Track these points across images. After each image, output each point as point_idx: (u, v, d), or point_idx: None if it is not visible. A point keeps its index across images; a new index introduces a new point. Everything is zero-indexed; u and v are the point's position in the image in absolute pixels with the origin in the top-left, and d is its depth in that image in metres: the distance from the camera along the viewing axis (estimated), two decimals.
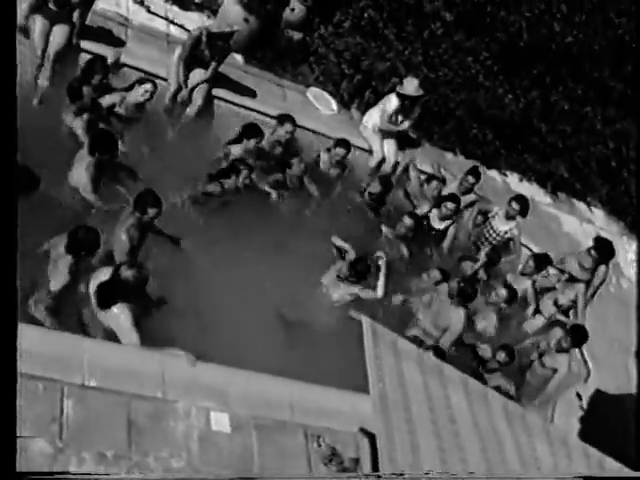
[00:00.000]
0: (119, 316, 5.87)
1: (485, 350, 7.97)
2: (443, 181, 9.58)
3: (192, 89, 8.58)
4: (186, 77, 8.55)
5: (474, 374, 7.41)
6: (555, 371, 8.18)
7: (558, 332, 8.37)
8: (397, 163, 9.76)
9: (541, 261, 9.06)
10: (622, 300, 10.15)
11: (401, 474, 3.94)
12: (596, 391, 8.65)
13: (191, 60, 8.54)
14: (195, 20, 9.63)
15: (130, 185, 7.30)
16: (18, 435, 3.64)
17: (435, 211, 9.03)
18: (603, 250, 9.23)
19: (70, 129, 7.39)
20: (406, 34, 10.40)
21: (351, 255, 7.77)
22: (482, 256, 8.86)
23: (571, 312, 9.00)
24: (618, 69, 11.15)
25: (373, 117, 9.77)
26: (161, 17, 9.51)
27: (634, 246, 11.32)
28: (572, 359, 8.48)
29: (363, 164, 9.54)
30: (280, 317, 7.23)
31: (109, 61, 8.14)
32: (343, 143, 8.86)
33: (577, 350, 8.87)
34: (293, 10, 9.94)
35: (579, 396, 8.54)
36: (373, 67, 10.16)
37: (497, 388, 7.04)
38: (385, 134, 9.69)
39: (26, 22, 7.77)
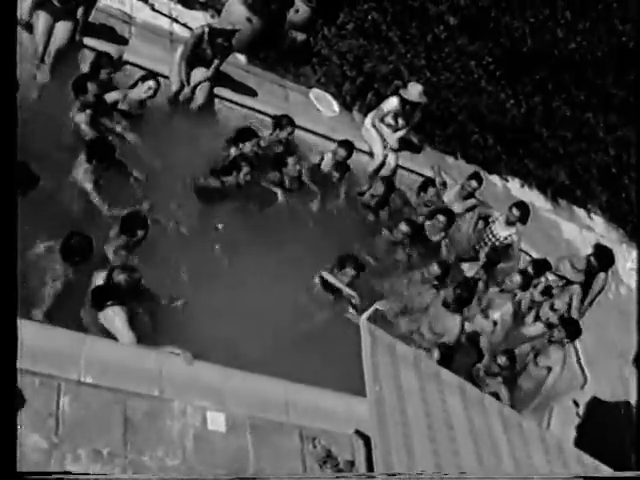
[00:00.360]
0: (113, 318, 5.93)
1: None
2: (444, 184, 9.59)
3: (194, 87, 8.59)
4: (188, 75, 8.56)
5: (473, 378, 7.44)
6: (550, 370, 8.18)
7: (557, 349, 8.37)
8: (397, 167, 9.76)
9: (540, 267, 9.05)
10: (620, 308, 10.14)
11: (393, 474, 3.94)
12: (593, 398, 8.64)
13: (193, 58, 8.55)
14: (199, 19, 9.63)
15: (136, 178, 7.36)
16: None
17: (428, 222, 8.98)
18: (603, 258, 9.22)
19: (74, 124, 7.39)
20: (409, 37, 10.40)
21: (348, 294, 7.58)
22: (482, 256, 8.85)
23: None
24: (620, 76, 11.15)
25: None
26: (165, 15, 9.51)
27: (634, 254, 11.32)
28: (567, 356, 8.45)
29: (363, 167, 9.54)
30: (279, 318, 7.22)
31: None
32: (346, 145, 8.86)
33: (574, 357, 8.87)
34: (297, 11, 9.94)
35: (576, 403, 8.52)
36: (376, 69, 10.16)
37: (495, 395, 7.03)
38: (386, 137, 9.70)
39: (30, 18, 7.77)
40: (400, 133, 9.78)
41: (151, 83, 7.80)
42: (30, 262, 5.98)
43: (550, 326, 8.59)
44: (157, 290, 6.50)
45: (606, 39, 10.82)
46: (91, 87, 7.41)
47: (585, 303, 9.24)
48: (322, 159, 8.87)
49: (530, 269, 9.00)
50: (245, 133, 8.18)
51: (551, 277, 8.98)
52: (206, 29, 8.48)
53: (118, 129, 7.69)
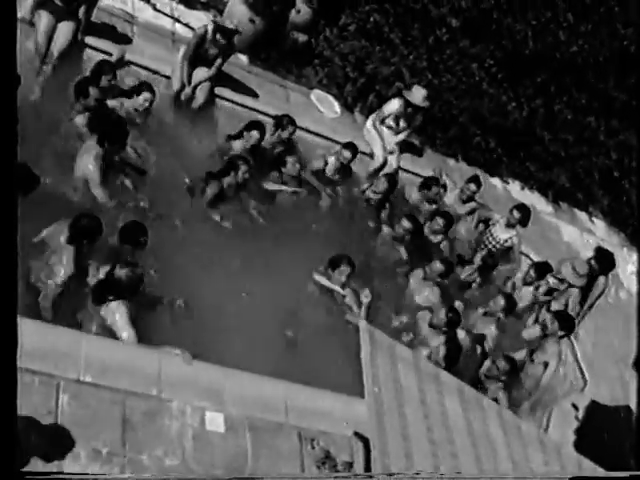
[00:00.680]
0: (115, 313, 5.90)
1: None
2: (444, 187, 9.59)
3: (194, 87, 8.60)
4: (190, 75, 8.57)
5: (473, 381, 7.43)
6: (546, 365, 8.17)
7: (552, 343, 8.36)
8: (398, 168, 9.76)
9: (542, 270, 9.05)
10: (620, 311, 10.12)
11: (391, 474, 3.93)
12: (592, 402, 8.63)
13: (195, 58, 8.55)
14: (201, 19, 9.63)
15: (136, 180, 7.33)
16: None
17: (428, 224, 8.99)
18: (603, 261, 9.22)
19: (73, 125, 7.38)
20: (411, 39, 10.40)
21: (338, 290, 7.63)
22: (477, 260, 8.84)
23: None
24: (622, 80, 11.14)
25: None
26: (167, 15, 9.52)
27: (634, 257, 11.30)
28: (563, 351, 8.45)
29: (363, 167, 9.54)
30: (278, 318, 7.22)
31: (113, 58, 8.16)
32: (350, 147, 8.87)
33: (574, 360, 8.87)
34: (299, 12, 9.94)
35: (575, 407, 8.52)
36: (377, 71, 10.15)
37: (494, 400, 7.01)
38: (385, 139, 9.70)
39: (32, 17, 7.78)
40: (401, 136, 9.78)
41: (146, 95, 7.77)
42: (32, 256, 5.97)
43: (546, 328, 8.59)
44: (157, 290, 6.50)
45: (608, 42, 10.81)
46: (93, 91, 7.41)
47: (585, 307, 9.24)
48: (326, 164, 8.87)
49: (532, 273, 9.01)
50: (254, 124, 8.21)
51: (552, 280, 8.97)
52: (209, 27, 8.49)
53: None
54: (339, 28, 10.32)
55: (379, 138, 9.68)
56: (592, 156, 11.41)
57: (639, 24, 10.77)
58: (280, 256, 7.57)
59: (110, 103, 7.71)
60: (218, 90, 8.85)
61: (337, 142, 9.24)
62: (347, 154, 8.81)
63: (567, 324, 8.37)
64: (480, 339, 8.13)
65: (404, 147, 9.97)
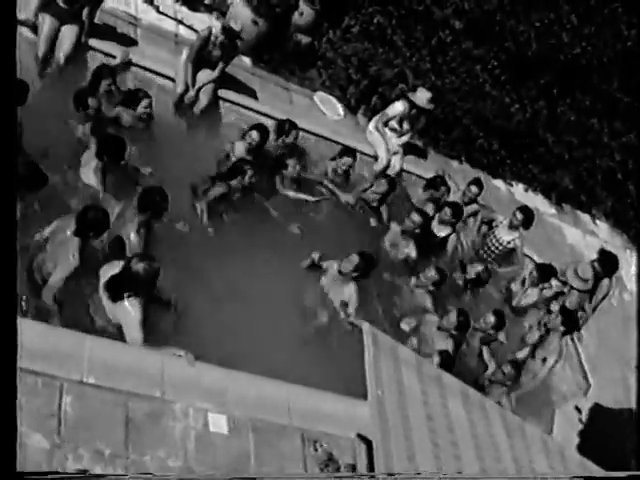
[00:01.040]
0: (130, 311, 5.78)
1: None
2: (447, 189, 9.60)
3: (198, 89, 8.60)
4: (194, 78, 8.58)
5: (476, 384, 7.42)
6: (544, 360, 8.16)
7: (553, 339, 8.36)
8: (402, 170, 9.77)
9: (545, 272, 9.04)
10: (624, 313, 10.12)
11: (392, 474, 3.93)
12: (595, 404, 8.62)
13: (198, 61, 8.56)
14: (204, 21, 9.65)
15: (140, 182, 7.34)
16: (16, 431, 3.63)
17: (436, 216, 8.99)
18: (607, 263, 9.22)
19: (75, 133, 7.37)
20: (414, 41, 10.41)
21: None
22: (471, 273, 8.70)
23: None
24: (626, 82, 11.13)
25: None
26: (170, 17, 9.53)
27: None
28: (563, 346, 8.43)
29: (367, 169, 9.55)
30: (281, 320, 7.22)
31: (117, 60, 8.17)
32: (349, 152, 8.89)
33: (578, 362, 8.86)
34: (302, 14, 9.96)
35: (578, 409, 8.51)
36: (381, 73, 10.17)
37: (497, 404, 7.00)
38: (388, 141, 9.71)
39: (35, 19, 7.78)
40: (404, 138, 9.79)
41: (145, 102, 7.72)
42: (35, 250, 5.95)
43: (548, 323, 8.58)
44: (158, 290, 6.49)
45: (611, 44, 10.80)
46: (92, 102, 7.40)
47: (588, 309, 9.24)
48: (326, 172, 8.89)
49: (535, 273, 9.00)
50: (257, 126, 8.20)
51: (555, 283, 8.97)
52: (213, 29, 8.51)
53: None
54: (342, 30, 10.34)
55: (383, 140, 9.69)
56: (595, 158, 11.40)
57: None
58: (284, 258, 7.57)
59: (112, 113, 7.66)
60: (221, 92, 8.85)
61: (340, 144, 9.25)
62: (347, 160, 8.84)
63: (570, 321, 8.37)
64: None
65: (407, 149, 9.98)
